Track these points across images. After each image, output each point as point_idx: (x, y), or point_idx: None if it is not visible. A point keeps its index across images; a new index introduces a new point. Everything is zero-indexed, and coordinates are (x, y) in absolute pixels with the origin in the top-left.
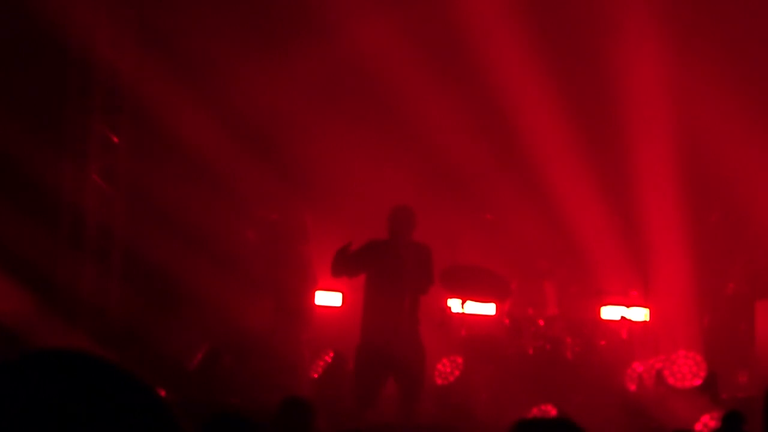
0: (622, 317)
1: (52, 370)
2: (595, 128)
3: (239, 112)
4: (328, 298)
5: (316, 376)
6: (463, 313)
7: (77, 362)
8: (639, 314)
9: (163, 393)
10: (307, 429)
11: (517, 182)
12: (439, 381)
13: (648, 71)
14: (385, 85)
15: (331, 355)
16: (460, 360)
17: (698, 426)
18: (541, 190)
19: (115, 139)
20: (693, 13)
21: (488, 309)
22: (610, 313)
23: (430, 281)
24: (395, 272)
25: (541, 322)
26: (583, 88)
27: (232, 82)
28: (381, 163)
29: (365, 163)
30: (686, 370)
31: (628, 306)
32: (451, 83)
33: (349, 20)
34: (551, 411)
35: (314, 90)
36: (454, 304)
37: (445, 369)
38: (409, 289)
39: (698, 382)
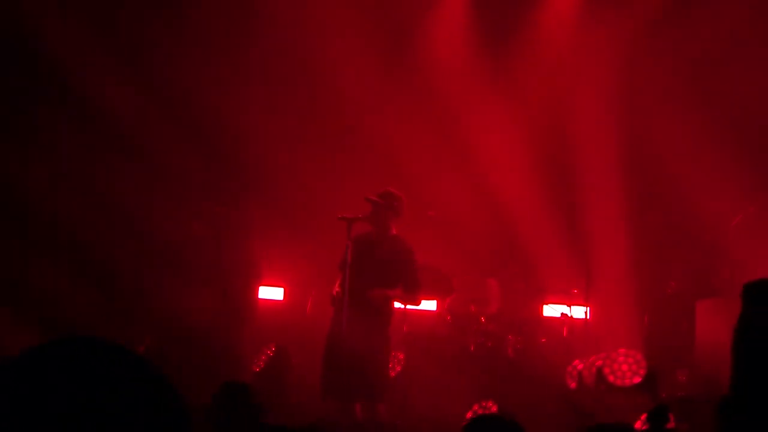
0: (563, 314)
1: (76, 357)
2: (539, 129)
3: (189, 107)
4: (270, 293)
5: (258, 369)
6: (405, 309)
7: (102, 350)
8: (580, 312)
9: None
10: (246, 411)
11: (459, 180)
12: None
13: (592, 74)
14: (333, 82)
15: (273, 348)
16: (401, 356)
17: (638, 424)
18: (484, 188)
19: (62, 132)
20: (641, 20)
21: (430, 306)
22: (551, 311)
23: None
24: (358, 265)
25: (483, 320)
26: (528, 89)
27: (182, 77)
28: (328, 158)
29: (312, 159)
30: (626, 368)
31: (569, 304)
32: (394, 79)
33: (299, 16)
34: (492, 407)
35: (263, 86)
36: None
37: None
38: (368, 282)
39: (638, 380)
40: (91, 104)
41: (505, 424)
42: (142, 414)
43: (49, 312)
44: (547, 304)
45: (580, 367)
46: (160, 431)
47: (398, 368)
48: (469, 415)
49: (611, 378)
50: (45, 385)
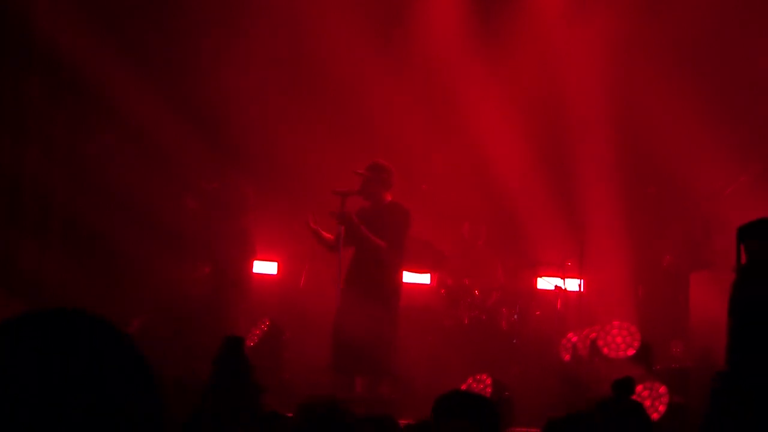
0: (557, 287)
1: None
2: (533, 101)
3: (181, 83)
4: (264, 267)
5: (252, 344)
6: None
7: (79, 321)
8: (574, 285)
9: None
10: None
11: (453, 153)
12: None
13: (586, 46)
14: (326, 56)
15: (268, 323)
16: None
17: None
18: (479, 161)
19: (54, 110)
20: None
21: (424, 279)
22: (545, 283)
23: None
24: (350, 236)
25: (477, 293)
26: (522, 61)
27: (175, 54)
28: (322, 132)
29: (306, 133)
30: (620, 340)
31: (563, 277)
32: (388, 54)
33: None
34: (487, 380)
35: (257, 61)
36: None
37: None
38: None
39: (632, 352)
40: (84, 82)
41: (474, 398)
42: (115, 393)
43: (43, 290)
44: (541, 276)
45: (574, 339)
46: (132, 410)
47: None
48: (463, 387)
49: (605, 350)
50: (14, 358)
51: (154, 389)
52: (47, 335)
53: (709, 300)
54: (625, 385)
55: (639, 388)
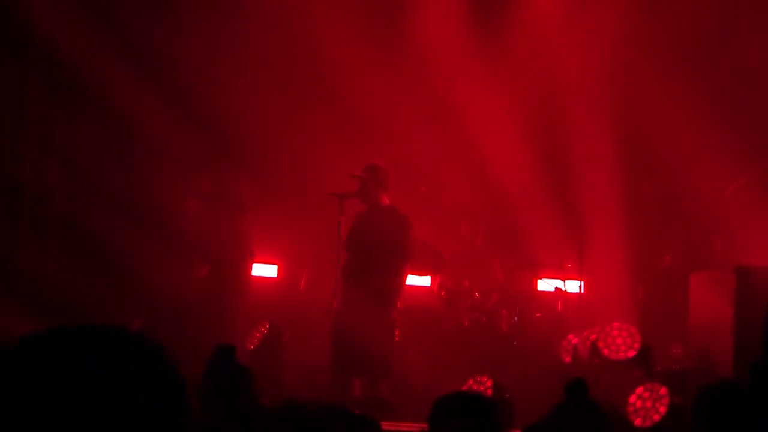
0: (557, 288)
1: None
2: (532, 101)
3: (180, 84)
4: (263, 270)
5: (252, 347)
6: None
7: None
8: (574, 286)
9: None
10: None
11: (452, 154)
12: None
13: (586, 45)
14: (326, 58)
15: (267, 326)
16: (395, 332)
17: (632, 398)
18: (478, 163)
19: (53, 111)
20: None
21: (424, 281)
22: (545, 285)
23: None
24: (355, 240)
25: (477, 295)
26: (520, 60)
27: (174, 53)
28: (322, 134)
29: (306, 135)
30: (620, 342)
31: (563, 278)
32: (388, 58)
33: None
34: (487, 382)
35: (257, 63)
36: None
37: None
38: (370, 259)
39: (632, 354)
40: (84, 81)
41: (474, 398)
42: (146, 403)
43: (43, 290)
44: (541, 278)
45: (574, 341)
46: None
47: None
48: (464, 389)
49: (606, 352)
50: (44, 374)
51: (184, 402)
52: (71, 350)
53: (708, 301)
54: (577, 386)
55: (639, 389)
